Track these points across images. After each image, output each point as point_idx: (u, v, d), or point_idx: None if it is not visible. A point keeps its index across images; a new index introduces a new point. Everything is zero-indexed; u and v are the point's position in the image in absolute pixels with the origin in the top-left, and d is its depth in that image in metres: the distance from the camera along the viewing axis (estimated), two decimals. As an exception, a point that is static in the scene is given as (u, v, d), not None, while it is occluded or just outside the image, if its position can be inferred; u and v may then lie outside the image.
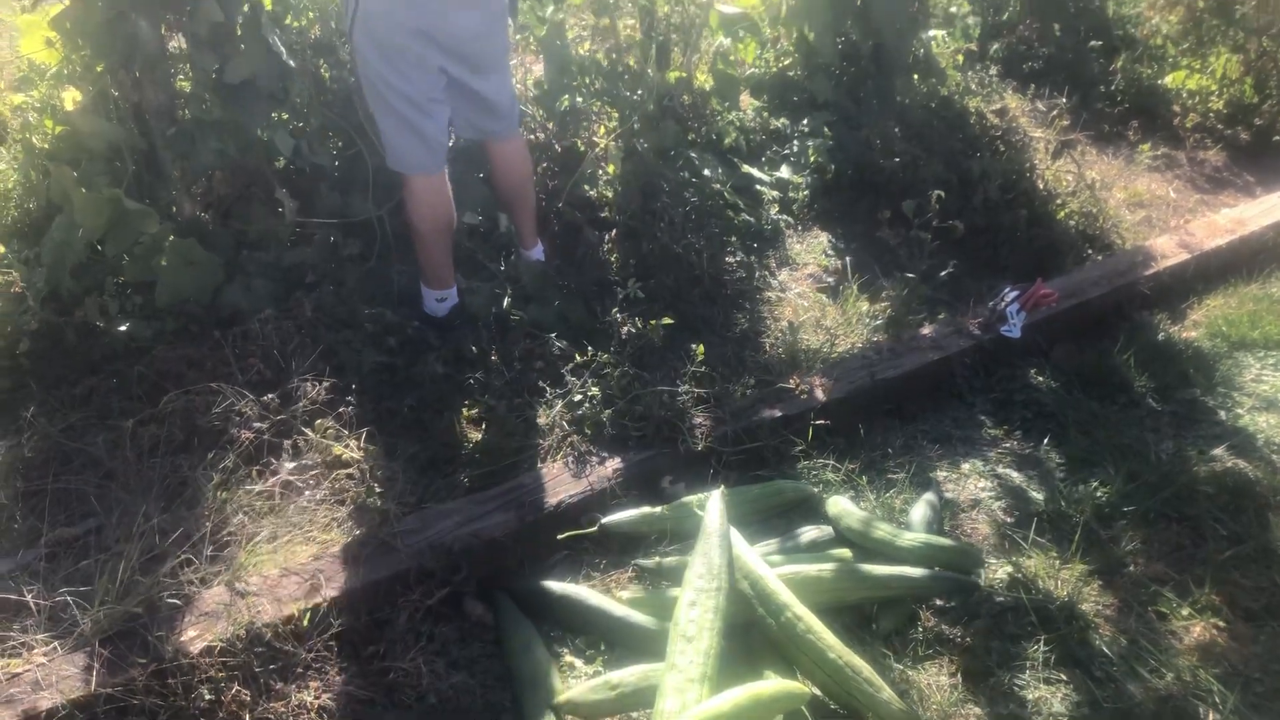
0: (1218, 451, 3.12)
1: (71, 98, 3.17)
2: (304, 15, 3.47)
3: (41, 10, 3.09)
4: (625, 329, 3.35)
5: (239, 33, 3.10)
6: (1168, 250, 4.17)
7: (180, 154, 3.12)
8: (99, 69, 3.14)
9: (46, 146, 3.22)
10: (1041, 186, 4.49)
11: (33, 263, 3.12)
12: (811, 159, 4.55)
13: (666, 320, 3.36)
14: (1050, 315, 3.68)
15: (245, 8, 3.06)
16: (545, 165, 4.19)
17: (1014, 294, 3.63)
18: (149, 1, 2.99)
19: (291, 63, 3.16)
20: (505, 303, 3.47)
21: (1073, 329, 3.73)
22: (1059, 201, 4.43)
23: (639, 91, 4.36)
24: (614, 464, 2.87)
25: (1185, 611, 2.54)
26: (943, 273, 3.86)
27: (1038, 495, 2.97)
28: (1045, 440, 3.20)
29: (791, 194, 4.42)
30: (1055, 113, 5.03)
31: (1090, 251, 4.25)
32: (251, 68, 3.05)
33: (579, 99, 4.38)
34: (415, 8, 3.01)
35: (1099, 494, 2.91)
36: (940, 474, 3.07)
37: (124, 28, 3.01)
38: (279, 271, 3.36)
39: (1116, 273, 3.98)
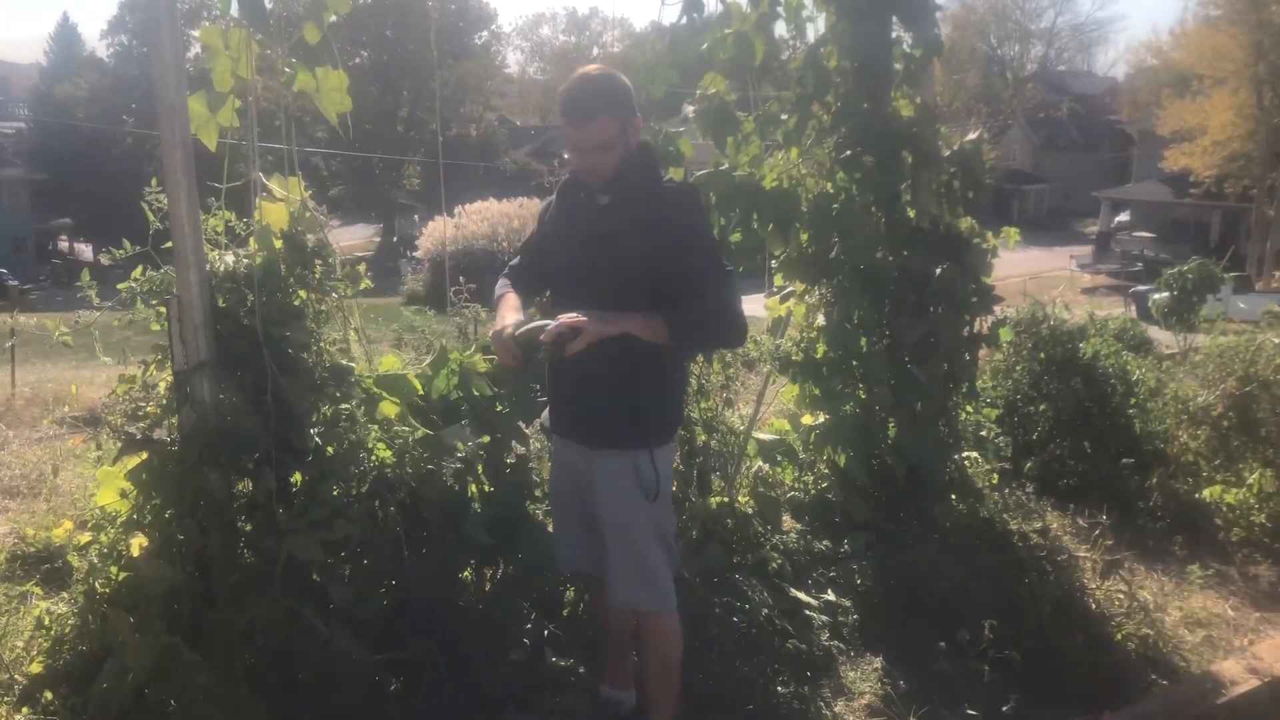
0: None
1: (138, 544, 3.27)
2: (363, 463, 3.60)
3: (120, 464, 3.27)
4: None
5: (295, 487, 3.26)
6: (1236, 675, 4.02)
7: (238, 599, 3.16)
8: (167, 515, 3.28)
9: (108, 592, 3.28)
10: (1094, 607, 4.42)
11: (79, 710, 3.08)
12: (858, 582, 4.54)
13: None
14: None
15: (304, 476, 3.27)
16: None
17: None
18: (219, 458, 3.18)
19: (350, 523, 3.26)
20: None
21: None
22: (1114, 623, 4.34)
23: (683, 517, 4.46)
24: None
25: None
26: (1005, 707, 3.70)
27: None
28: None
29: (841, 618, 4.36)
30: (1098, 531, 5.05)
31: (1154, 676, 4.09)
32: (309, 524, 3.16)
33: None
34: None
35: None
36: None
37: (196, 479, 3.18)
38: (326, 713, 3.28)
39: (1186, 702, 3.82)
